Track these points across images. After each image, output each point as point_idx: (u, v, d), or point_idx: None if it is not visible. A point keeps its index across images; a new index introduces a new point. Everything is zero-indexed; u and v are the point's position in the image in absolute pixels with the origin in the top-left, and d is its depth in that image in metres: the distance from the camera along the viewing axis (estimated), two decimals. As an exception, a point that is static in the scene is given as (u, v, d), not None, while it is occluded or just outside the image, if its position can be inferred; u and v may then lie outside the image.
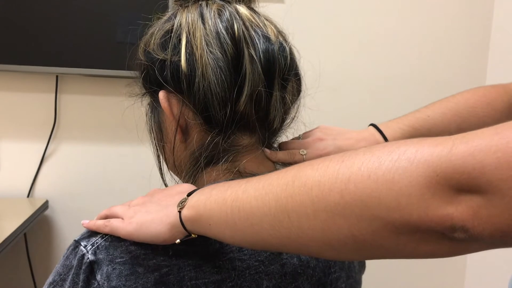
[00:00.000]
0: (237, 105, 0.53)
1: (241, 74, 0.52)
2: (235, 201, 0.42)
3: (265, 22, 0.57)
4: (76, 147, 1.44)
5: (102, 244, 0.49)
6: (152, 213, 0.49)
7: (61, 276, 0.49)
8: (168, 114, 0.55)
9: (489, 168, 0.29)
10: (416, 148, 0.32)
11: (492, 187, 0.29)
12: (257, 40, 0.54)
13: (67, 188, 1.45)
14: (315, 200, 0.36)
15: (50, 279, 0.50)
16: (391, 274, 1.58)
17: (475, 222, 0.30)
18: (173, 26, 0.55)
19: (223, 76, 0.52)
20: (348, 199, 0.34)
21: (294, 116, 0.62)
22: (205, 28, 0.53)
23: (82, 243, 0.49)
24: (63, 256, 0.50)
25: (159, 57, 0.55)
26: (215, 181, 0.56)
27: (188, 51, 0.53)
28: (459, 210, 0.30)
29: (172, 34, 0.55)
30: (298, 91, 0.60)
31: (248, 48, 0.53)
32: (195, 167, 0.57)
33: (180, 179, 0.61)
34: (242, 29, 0.53)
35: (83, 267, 0.47)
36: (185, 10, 0.56)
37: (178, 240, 0.47)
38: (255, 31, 0.54)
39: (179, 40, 0.54)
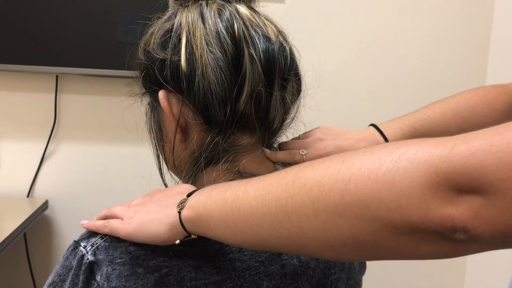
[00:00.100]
0: (237, 104, 0.53)
1: (241, 73, 0.52)
2: (235, 202, 0.41)
3: (265, 21, 0.57)
4: (76, 147, 1.44)
5: (102, 244, 0.49)
6: (152, 213, 0.49)
7: (61, 277, 0.49)
8: (168, 114, 0.55)
9: (489, 168, 0.29)
10: (416, 149, 0.32)
11: (492, 187, 0.29)
12: (257, 40, 0.54)
13: (67, 188, 1.45)
14: (315, 201, 0.36)
15: (49, 279, 0.50)
16: (391, 274, 1.58)
17: (476, 222, 0.30)
18: (173, 25, 0.55)
19: (223, 75, 0.52)
20: (348, 200, 0.34)
21: (294, 116, 0.62)
22: (205, 27, 0.53)
23: (81, 244, 0.49)
24: (63, 257, 0.50)
25: (159, 56, 0.55)
26: (215, 181, 0.56)
27: (188, 50, 0.53)
28: (459, 210, 0.30)
29: (172, 33, 0.55)
30: (298, 91, 0.60)
31: (248, 47, 0.53)
32: (195, 167, 0.57)
33: (180, 179, 0.61)
34: (242, 29, 0.53)
35: (82, 268, 0.47)
36: (185, 9, 0.56)
37: (178, 241, 0.47)
38: (255, 30, 0.54)
39: (179, 40, 0.54)
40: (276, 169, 0.61)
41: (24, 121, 1.41)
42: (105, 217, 0.53)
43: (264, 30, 0.55)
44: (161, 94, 0.55)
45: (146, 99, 0.61)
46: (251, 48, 0.53)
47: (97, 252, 0.48)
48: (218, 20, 0.54)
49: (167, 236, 0.47)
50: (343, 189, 0.34)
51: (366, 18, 1.48)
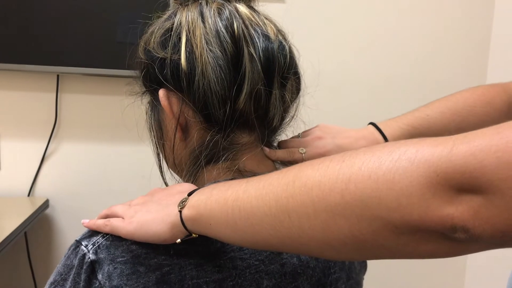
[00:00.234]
0: (237, 103, 0.53)
1: (241, 72, 0.52)
2: (235, 201, 0.42)
3: (265, 20, 0.57)
4: (76, 146, 1.44)
5: (103, 243, 0.49)
6: (152, 212, 0.49)
7: (62, 276, 0.49)
8: (168, 112, 0.55)
9: (489, 168, 0.29)
10: (416, 148, 0.32)
11: (492, 187, 0.29)
12: (256, 39, 0.54)
13: (67, 187, 1.45)
14: (315, 200, 0.36)
15: (51, 279, 0.50)
16: (391, 274, 1.58)
17: (476, 222, 0.30)
18: (173, 24, 0.55)
19: (222, 74, 0.52)
20: (348, 199, 0.34)
21: (294, 114, 0.62)
22: (205, 26, 0.53)
23: (83, 243, 0.49)
24: (64, 256, 0.50)
25: (159, 55, 0.55)
26: (216, 179, 0.56)
27: (188, 49, 0.53)
28: (459, 210, 0.30)
29: (172, 32, 0.55)
30: (298, 89, 0.60)
31: (247, 46, 0.53)
32: (195, 166, 0.57)
33: (180, 177, 0.61)
34: (242, 28, 0.53)
35: (84, 267, 0.47)
36: (185, 8, 0.56)
37: (178, 240, 0.47)
38: (254, 29, 0.54)
39: (179, 39, 0.54)
40: (275, 168, 0.61)
41: (25, 120, 1.42)
42: (106, 216, 0.53)
43: (264, 29, 0.55)
44: (161, 93, 0.55)
45: (146, 98, 0.61)
46: (251, 47, 0.53)
47: (99, 251, 0.48)
48: (218, 19, 0.54)
49: (168, 235, 0.47)
50: (343, 188, 0.34)
51: (366, 18, 1.48)
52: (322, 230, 0.36)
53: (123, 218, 0.50)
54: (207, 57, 0.52)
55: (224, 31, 0.53)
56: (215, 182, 0.51)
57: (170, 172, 0.63)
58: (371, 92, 1.51)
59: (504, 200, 0.29)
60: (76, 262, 0.48)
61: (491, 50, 1.54)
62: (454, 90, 0.76)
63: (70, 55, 1.33)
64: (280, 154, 0.63)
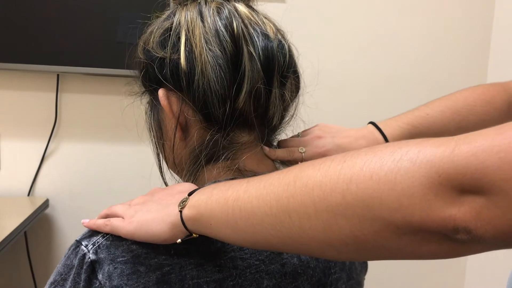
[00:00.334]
0: (236, 102, 0.53)
1: (240, 71, 0.52)
2: (236, 201, 0.41)
3: (264, 19, 0.57)
4: (76, 145, 1.44)
5: (103, 243, 0.49)
6: (152, 212, 0.49)
7: (62, 276, 0.49)
8: (167, 112, 0.55)
9: (491, 168, 0.29)
10: (418, 149, 0.32)
11: (494, 187, 0.29)
12: (256, 38, 0.54)
13: (67, 187, 1.45)
14: (316, 201, 0.36)
15: (51, 279, 0.50)
16: (391, 274, 1.58)
17: (478, 223, 0.30)
18: (172, 24, 0.55)
19: (222, 73, 0.52)
20: (349, 200, 0.34)
21: (293, 113, 0.62)
22: (204, 26, 0.53)
23: (83, 243, 0.49)
24: (64, 256, 0.50)
25: (158, 55, 0.55)
26: (216, 179, 0.56)
27: (187, 49, 0.53)
28: (461, 211, 0.30)
29: (171, 32, 0.55)
30: (297, 88, 0.60)
31: (247, 45, 0.53)
32: (195, 165, 0.57)
33: (180, 177, 0.61)
34: (241, 27, 0.53)
35: (84, 267, 0.47)
36: (184, 8, 0.56)
37: (179, 240, 0.47)
38: (254, 28, 0.54)
39: (178, 38, 0.54)
40: (275, 167, 0.61)
41: (25, 120, 1.41)
42: (106, 216, 0.53)
43: (263, 28, 0.55)
44: (161, 92, 0.55)
45: (146, 98, 0.61)
46: (250, 46, 0.53)
47: (99, 251, 0.48)
48: (217, 18, 0.54)
49: (168, 235, 0.47)
50: (344, 189, 0.34)
51: (366, 17, 1.48)
52: (323, 230, 0.36)
53: (123, 218, 0.50)
54: (207, 56, 0.52)
55: (223, 30, 0.53)
56: (215, 182, 0.51)
57: (170, 172, 0.63)
58: (371, 92, 1.51)
59: (506, 200, 0.28)
60: (76, 262, 0.48)
61: (491, 50, 1.54)
62: (454, 90, 0.76)
63: (70, 55, 1.33)
64: (280, 153, 0.62)
